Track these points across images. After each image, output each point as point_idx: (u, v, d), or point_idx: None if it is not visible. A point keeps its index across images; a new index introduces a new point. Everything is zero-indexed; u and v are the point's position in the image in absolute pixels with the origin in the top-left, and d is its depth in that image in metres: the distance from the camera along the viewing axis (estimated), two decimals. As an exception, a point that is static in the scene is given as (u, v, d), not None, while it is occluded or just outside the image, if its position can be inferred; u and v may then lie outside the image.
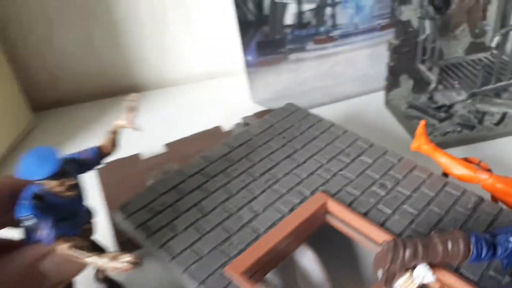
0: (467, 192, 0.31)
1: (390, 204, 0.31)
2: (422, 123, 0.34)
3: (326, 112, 0.40)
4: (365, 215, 0.30)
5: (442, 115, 0.45)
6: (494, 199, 0.32)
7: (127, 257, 0.24)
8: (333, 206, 0.30)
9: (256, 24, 0.50)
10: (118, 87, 0.62)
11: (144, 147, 0.45)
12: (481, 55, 0.46)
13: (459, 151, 0.42)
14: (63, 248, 0.24)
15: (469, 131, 0.43)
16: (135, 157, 0.45)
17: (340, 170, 0.34)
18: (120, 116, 0.29)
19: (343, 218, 0.30)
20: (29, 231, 0.25)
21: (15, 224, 0.26)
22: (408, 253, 0.24)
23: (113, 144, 0.28)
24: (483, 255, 0.25)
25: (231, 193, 0.32)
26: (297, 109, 0.41)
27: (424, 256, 0.24)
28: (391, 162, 0.34)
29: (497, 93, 0.46)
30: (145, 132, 0.51)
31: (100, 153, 0.28)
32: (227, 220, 0.30)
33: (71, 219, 0.26)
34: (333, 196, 0.31)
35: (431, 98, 0.46)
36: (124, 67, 0.61)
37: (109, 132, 0.28)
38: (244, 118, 0.44)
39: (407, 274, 0.26)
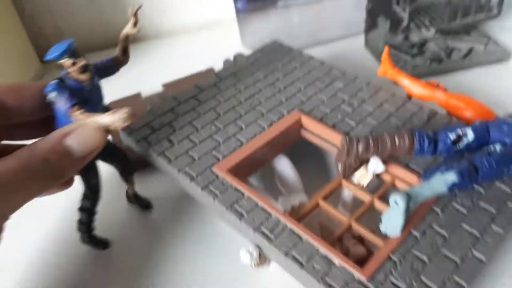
0: (423, 108, 0.36)
1: (355, 118, 0.35)
2: (386, 49, 0.38)
3: (311, 53, 0.44)
4: (333, 127, 0.35)
5: (415, 51, 0.49)
6: (449, 114, 0.37)
7: (123, 111, 0.28)
8: (306, 120, 0.35)
9: (248, -27, 0.54)
10: (118, 39, 0.66)
11: (144, 89, 0.50)
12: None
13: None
14: (77, 114, 0.28)
15: (437, 64, 0.47)
16: (136, 96, 0.50)
17: (315, 93, 0.38)
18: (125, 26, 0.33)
19: (313, 129, 0.35)
20: (55, 108, 0.29)
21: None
22: (361, 146, 0.29)
23: (124, 52, 0.33)
24: (425, 148, 0.30)
25: (220, 113, 0.37)
26: (281, 45, 0.45)
27: (375, 149, 0.29)
28: (360, 86, 0.39)
29: (467, 31, 0.50)
30: (145, 77, 0.55)
31: (113, 60, 0.32)
32: (216, 133, 0.35)
33: (86, 106, 0.29)
34: (306, 113, 0.36)
35: (406, 38, 0.50)
36: (123, 20, 0.65)
37: (119, 42, 0.33)
38: (234, 56, 0.48)
39: (362, 167, 0.31)
